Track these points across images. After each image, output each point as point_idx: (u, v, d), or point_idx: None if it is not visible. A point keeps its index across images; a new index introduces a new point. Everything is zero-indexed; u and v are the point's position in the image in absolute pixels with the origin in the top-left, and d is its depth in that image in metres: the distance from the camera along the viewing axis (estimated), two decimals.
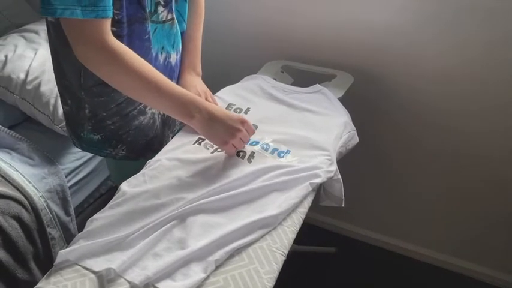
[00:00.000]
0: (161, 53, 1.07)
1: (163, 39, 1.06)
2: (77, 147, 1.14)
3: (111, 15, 0.88)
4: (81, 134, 1.09)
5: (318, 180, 0.98)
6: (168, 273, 0.79)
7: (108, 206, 0.92)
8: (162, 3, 1.01)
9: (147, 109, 1.10)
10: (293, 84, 1.40)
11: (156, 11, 1.01)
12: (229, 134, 0.98)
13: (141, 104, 1.08)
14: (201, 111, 0.95)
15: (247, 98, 1.25)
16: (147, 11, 0.98)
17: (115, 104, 1.04)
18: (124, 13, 0.93)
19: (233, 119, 0.98)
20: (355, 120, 1.23)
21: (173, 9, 1.06)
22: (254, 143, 1.06)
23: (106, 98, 1.03)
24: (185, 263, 0.80)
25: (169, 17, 1.05)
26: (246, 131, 1.00)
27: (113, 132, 1.08)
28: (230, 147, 1.00)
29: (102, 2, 0.84)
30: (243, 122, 0.99)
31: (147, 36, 1.00)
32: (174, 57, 1.12)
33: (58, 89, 1.08)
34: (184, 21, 1.14)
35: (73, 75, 1.00)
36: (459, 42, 1.29)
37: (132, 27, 0.96)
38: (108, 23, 0.88)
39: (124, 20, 0.94)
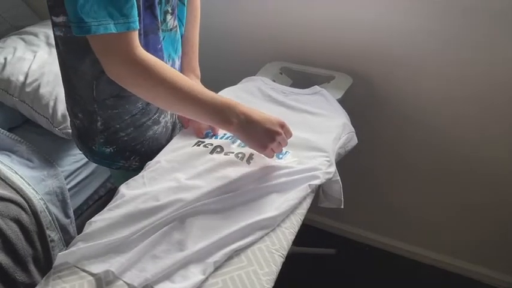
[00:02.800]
0: (169, 60, 1.06)
1: (170, 46, 1.05)
2: (90, 160, 1.12)
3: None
4: (93, 147, 1.06)
5: (317, 182, 0.98)
6: (167, 275, 0.79)
7: (107, 208, 0.92)
8: (170, 11, 1.00)
9: (160, 118, 1.08)
10: (292, 85, 1.40)
11: (165, 19, 0.99)
12: (269, 137, 0.94)
13: (155, 113, 1.06)
14: (238, 116, 0.92)
15: (246, 99, 1.25)
16: (159, 20, 0.96)
17: (129, 115, 1.02)
18: (141, 24, 0.92)
19: (272, 122, 0.94)
20: (354, 122, 1.23)
21: (183, 16, 1.05)
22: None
23: (120, 110, 1.00)
24: (184, 264, 0.80)
25: (175, 24, 1.04)
26: (284, 134, 0.96)
27: (126, 144, 1.05)
28: (270, 151, 0.96)
29: (132, 13, 0.83)
30: (282, 124, 0.96)
31: (159, 46, 0.98)
32: (177, 63, 1.11)
33: (68, 102, 1.05)
34: (183, 25, 1.13)
35: (85, 89, 0.98)
36: (460, 44, 1.29)
37: (148, 38, 0.95)
38: (137, 36, 0.86)
39: (141, 31, 0.92)
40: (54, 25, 0.93)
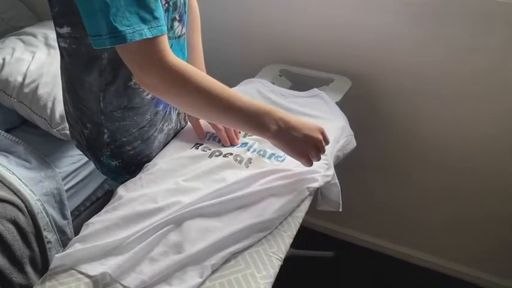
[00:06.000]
0: None
1: (179, 54, 1.01)
2: (98, 170, 1.09)
3: None
4: (101, 159, 1.04)
5: (315, 185, 0.98)
6: (164, 277, 0.79)
7: (104, 209, 0.92)
8: (178, 18, 0.97)
9: (164, 126, 1.06)
10: (291, 88, 1.40)
11: (172, 26, 0.96)
12: (309, 144, 0.91)
13: (161, 122, 1.04)
14: (277, 122, 0.88)
15: None
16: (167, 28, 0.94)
17: (137, 128, 0.99)
18: None
19: (311, 128, 0.91)
20: (352, 125, 1.23)
21: (186, 22, 1.03)
22: (252, 149, 1.06)
23: (128, 122, 0.98)
24: (181, 267, 0.80)
25: (183, 31, 1.02)
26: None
27: (132, 158, 1.03)
28: (308, 159, 0.93)
29: (161, 16, 0.80)
30: (321, 131, 0.93)
31: None
32: None
33: (74, 113, 1.01)
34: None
35: (92, 100, 0.95)
36: (460, 48, 1.29)
37: None
38: (167, 40, 0.82)
39: None
40: (59, 36, 0.91)
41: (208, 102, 0.85)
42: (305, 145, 0.91)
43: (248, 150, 1.06)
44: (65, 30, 0.88)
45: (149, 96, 0.97)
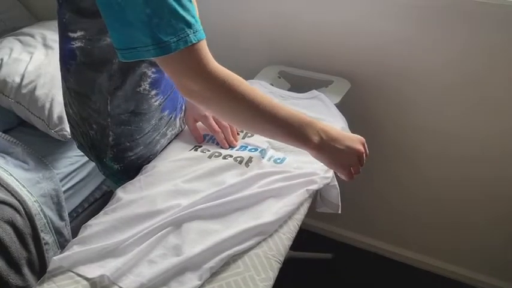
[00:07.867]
0: None
1: None
2: (101, 172, 1.08)
3: None
4: (104, 160, 1.03)
5: (315, 187, 0.98)
6: (163, 280, 0.79)
7: (103, 211, 0.91)
8: None
9: (168, 131, 1.06)
10: (290, 89, 1.40)
11: None
12: (351, 156, 0.89)
13: (164, 127, 1.03)
14: (319, 133, 0.85)
15: None
16: None
17: (141, 134, 0.99)
18: None
19: (352, 139, 0.90)
20: (351, 126, 1.23)
21: None
22: (252, 150, 1.06)
23: (134, 127, 0.97)
24: (180, 270, 0.80)
25: None
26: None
27: (132, 163, 1.02)
28: (350, 171, 0.91)
29: (199, 20, 0.77)
30: (363, 142, 0.91)
31: None
32: None
33: (80, 114, 1.00)
34: None
35: (100, 102, 0.94)
36: (459, 52, 1.29)
37: None
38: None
39: None
40: (72, 39, 0.89)
41: (252, 111, 0.82)
42: (348, 157, 0.89)
43: (247, 152, 1.05)
44: (79, 33, 0.87)
45: (157, 103, 0.97)
